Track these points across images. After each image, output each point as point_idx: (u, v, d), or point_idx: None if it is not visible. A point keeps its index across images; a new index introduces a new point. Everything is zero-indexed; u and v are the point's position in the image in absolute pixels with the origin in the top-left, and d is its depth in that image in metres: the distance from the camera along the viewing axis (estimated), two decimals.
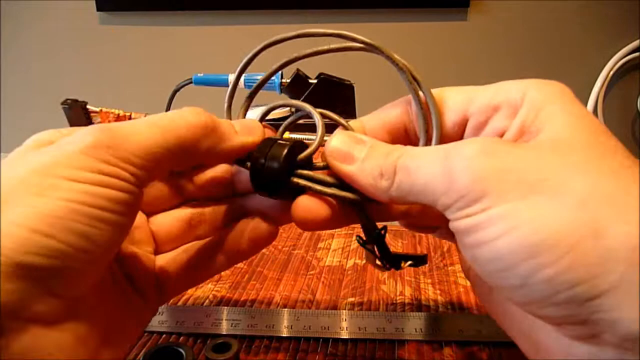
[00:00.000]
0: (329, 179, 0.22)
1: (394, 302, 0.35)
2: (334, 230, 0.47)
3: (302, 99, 0.73)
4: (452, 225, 0.18)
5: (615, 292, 0.14)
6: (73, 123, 0.25)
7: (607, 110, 1.11)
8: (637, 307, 0.14)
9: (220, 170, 0.25)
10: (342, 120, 0.23)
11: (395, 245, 0.44)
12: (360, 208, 0.23)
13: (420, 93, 0.22)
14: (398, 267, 0.25)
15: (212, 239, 0.25)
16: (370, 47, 0.22)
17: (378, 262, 0.24)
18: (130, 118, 0.22)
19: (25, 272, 0.15)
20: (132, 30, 1.24)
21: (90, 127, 0.18)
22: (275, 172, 0.21)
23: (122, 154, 0.18)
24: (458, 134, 0.22)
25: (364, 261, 0.41)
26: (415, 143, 0.23)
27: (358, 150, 0.21)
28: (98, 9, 1.22)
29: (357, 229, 0.47)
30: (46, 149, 0.18)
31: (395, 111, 0.23)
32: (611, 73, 1.08)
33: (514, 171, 0.16)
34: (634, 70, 1.11)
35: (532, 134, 0.19)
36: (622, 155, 0.17)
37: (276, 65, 0.24)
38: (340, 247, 0.44)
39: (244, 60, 0.23)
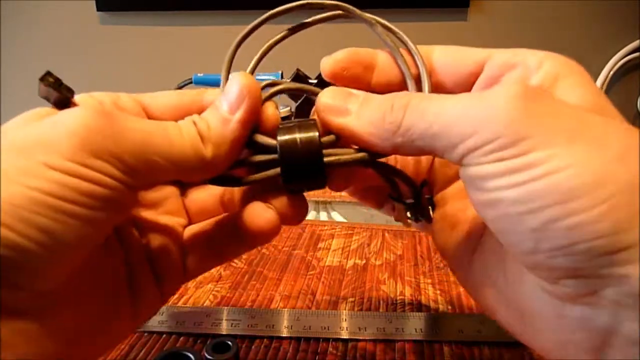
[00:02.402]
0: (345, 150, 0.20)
1: (394, 302, 0.35)
2: (333, 230, 0.47)
3: (302, 98, 0.73)
4: (471, 171, 0.17)
5: (636, 249, 0.14)
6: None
7: None
8: None
9: None
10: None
11: (396, 245, 0.44)
12: (389, 170, 0.22)
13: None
14: (430, 219, 0.24)
15: (234, 216, 0.23)
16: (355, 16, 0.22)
17: (409, 215, 0.24)
18: None
19: None
20: (132, 30, 1.24)
21: (90, 108, 0.17)
22: (316, 157, 0.19)
23: (115, 150, 0.16)
24: (469, 82, 0.22)
25: (364, 261, 0.41)
26: None
27: (352, 102, 0.20)
28: (98, 9, 1.22)
29: (356, 229, 0.47)
30: (35, 124, 0.17)
31: (396, 69, 0.23)
32: (611, 73, 1.08)
33: (557, 117, 0.16)
34: (634, 70, 1.11)
35: None
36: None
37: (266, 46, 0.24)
38: (340, 247, 0.44)
39: (242, 33, 0.22)
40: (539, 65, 0.20)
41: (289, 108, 0.73)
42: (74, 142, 0.16)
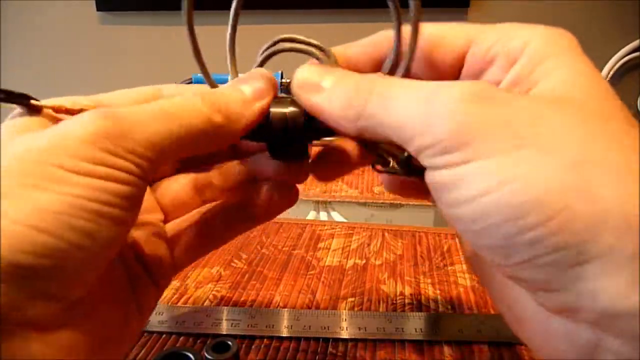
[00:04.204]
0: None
1: (394, 302, 0.35)
2: (333, 230, 0.47)
3: None
4: (430, 177, 0.17)
5: (603, 260, 0.13)
6: None
7: None
8: (623, 282, 0.13)
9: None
10: (320, 47, 0.22)
11: (396, 245, 0.44)
12: (368, 143, 0.22)
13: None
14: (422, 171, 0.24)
15: (226, 203, 0.24)
16: None
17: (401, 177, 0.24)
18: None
19: (19, 272, 0.14)
20: (132, 30, 1.24)
21: (93, 112, 0.17)
22: (298, 136, 0.21)
23: (128, 144, 0.16)
24: (454, 77, 0.21)
25: (364, 261, 0.41)
26: None
27: (326, 80, 0.19)
28: (98, 9, 1.22)
29: (356, 229, 0.47)
30: (44, 133, 0.16)
31: (381, 42, 0.22)
32: (611, 73, 1.08)
33: (504, 121, 0.15)
34: (634, 70, 1.11)
35: (524, 86, 0.18)
36: (624, 118, 0.16)
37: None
38: (340, 247, 0.44)
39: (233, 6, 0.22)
40: (522, 47, 0.18)
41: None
42: (88, 144, 0.16)
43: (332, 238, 0.45)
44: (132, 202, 0.17)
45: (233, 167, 0.25)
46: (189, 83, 0.75)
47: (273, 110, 0.21)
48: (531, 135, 0.15)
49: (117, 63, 1.28)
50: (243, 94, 0.20)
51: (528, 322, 0.17)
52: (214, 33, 1.25)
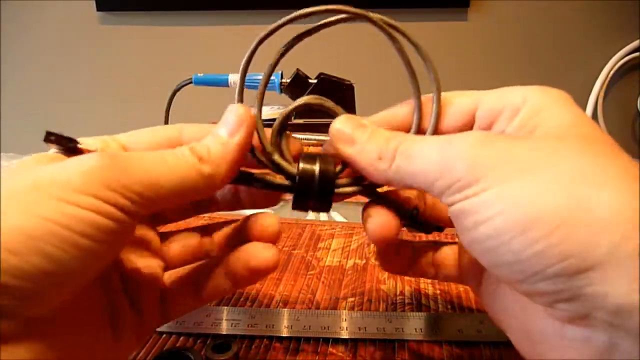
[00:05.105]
0: (347, 180, 0.24)
1: (394, 302, 0.35)
2: (333, 230, 0.47)
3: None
4: (451, 210, 0.19)
5: (606, 264, 0.15)
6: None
7: (607, 110, 1.11)
8: (628, 280, 0.14)
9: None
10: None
11: None
12: (383, 199, 0.24)
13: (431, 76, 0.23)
14: (430, 229, 0.26)
15: (217, 259, 0.25)
16: (362, 18, 0.23)
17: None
18: None
19: None
20: (132, 30, 1.24)
21: (96, 152, 0.18)
22: (329, 188, 0.22)
23: (125, 181, 0.17)
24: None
25: (364, 261, 0.41)
26: None
27: (359, 133, 0.22)
28: (98, 9, 1.22)
29: (356, 229, 0.47)
30: (51, 165, 0.18)
31: (402, 111, 0.24)
32: (611, 73, 1.08)
33: (507, 157, 0.18)
34: (634, 70, 1.11)
35: (527, 130, 0.20)
36: (612, 144, 0.18)
37: (275, 58, 0.24)
38: (340, 247, 0.44)
39: (244, 61, 0.24)
40: (523, 101, 0.21)
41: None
42: (87, 177, 0.17)
43: (332, 238, 0.45)
44: (114, 238, 0.18)
45: (234, 223, 0.26)
46: (188, 83, 0.75)
47: (302, 166, 0.22)
48: (531, 164, 0.17)
49: (117, 63, 1.28)
50: (220, 136, 0.21)
51: (544, 337, 0.18)
52: (214, 33, 1.25)
